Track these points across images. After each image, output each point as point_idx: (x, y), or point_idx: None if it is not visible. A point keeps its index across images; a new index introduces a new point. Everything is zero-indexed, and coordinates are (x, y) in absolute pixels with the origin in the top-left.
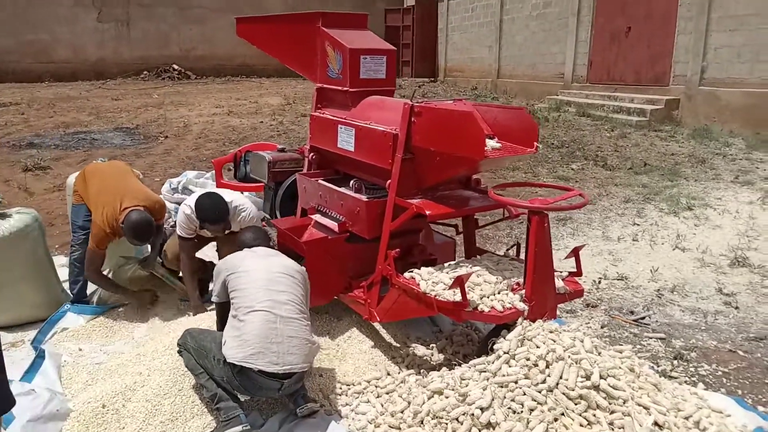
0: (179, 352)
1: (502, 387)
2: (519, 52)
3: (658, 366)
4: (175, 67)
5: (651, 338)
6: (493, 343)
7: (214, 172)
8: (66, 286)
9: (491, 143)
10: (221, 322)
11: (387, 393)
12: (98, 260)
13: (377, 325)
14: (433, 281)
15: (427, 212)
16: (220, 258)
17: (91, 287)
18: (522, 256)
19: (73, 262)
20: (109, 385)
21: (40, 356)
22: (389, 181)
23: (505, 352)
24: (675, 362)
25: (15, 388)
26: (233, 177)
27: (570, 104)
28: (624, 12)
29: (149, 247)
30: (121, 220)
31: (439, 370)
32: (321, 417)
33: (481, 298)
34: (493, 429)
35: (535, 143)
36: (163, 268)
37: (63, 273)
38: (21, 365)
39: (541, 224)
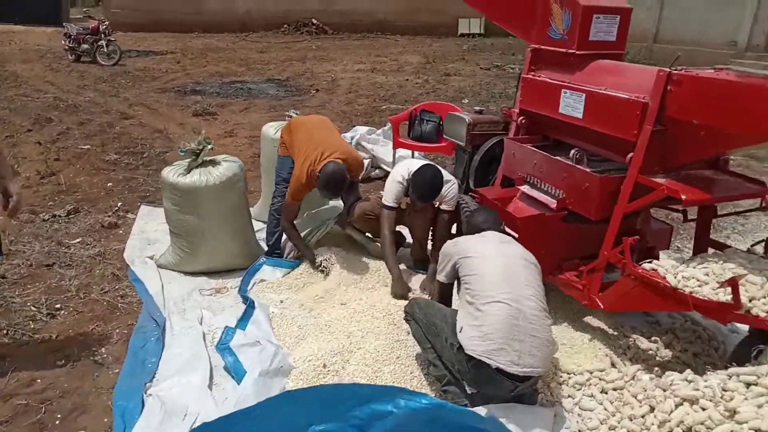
0: (406, 320)
1: None
2: (682, 16)
3: None
4: (314, 21)
5: None
6: (760, 352)
7: (384, 129)
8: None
9: None
10: (443, 302)
11: (614, 389)
12: (293, 211)
13: (586, 312)
14: (683, 275)
15: (683, 196)
16: (410, 229)
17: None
18: None
19: (272, 212)
20: (324, 343)
21: (251, 306)
22: (630, 154)
23: None
24: None
25: (238, 338)
26: (406, 135)
27: None
28: None
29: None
30: (318, 169)
31: (681, 373)
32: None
33: (750, 300)
34: None
35: None
36: (356, 230)
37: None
38: (232, 312)
39: None
